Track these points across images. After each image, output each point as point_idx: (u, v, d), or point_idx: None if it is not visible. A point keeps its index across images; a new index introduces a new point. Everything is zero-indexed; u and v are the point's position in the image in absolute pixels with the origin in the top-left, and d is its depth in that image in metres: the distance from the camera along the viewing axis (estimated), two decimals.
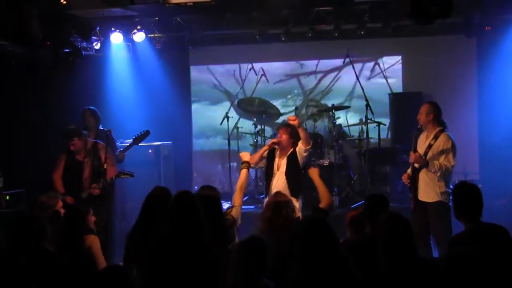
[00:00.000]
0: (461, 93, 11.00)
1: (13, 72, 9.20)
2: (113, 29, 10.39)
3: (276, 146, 7.72)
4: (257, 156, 7.82)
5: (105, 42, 10.65)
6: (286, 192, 7.33)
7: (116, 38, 10.50)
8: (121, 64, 11.35)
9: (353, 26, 10.49)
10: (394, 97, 11.18)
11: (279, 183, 7.57)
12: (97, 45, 10.61)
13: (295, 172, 7.61)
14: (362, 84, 10.32)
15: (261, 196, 9.06)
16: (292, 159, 7.64)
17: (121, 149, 8.90)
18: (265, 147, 7.87)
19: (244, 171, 6.53)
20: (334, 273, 4.08)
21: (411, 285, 4.22)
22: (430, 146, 7.11)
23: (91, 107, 8.95)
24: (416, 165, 7.14)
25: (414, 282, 4.23)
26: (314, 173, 6.57)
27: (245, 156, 6.87)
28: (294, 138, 7.68)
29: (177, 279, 4.47)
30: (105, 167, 7.75)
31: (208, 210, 5.07)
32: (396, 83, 11.58)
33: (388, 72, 11.50)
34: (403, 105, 10.77)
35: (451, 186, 6.96)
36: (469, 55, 11.20)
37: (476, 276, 3.71)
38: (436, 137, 7.12)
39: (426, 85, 11.19)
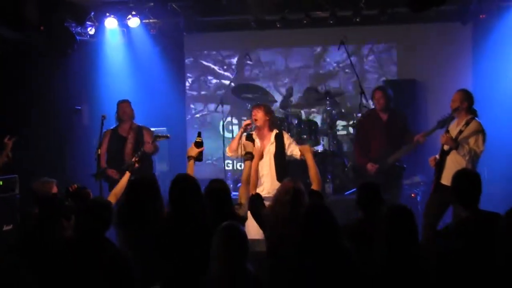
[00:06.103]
0: (455, 81, 10.90)
1: (5, 57, 9.12)
2: (107, 14, 10.37)
3: (249, 127, 7.48)
4: (234, 143, 7.48)
5: (100, 27, 10.62)
6: (273, 175, 7.27)
7: (111, 23, 10.48)
8: (116, 50, 11.32)
9: (349, 13, 10.47)
10: (389, 84, 11.16)
11: (265, 165, 7.26)
12: (91, 30, 10.57)
13: (282, 156, 7.40)
14: (357, 71, 10.30)
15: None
16: (279, 141, 7.43)
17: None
18: (240, 131, 7.57)
19: (247, 163, 6.00)
20: (334, 260, 4.07)
21: (412, 278, 4.24)
22: (460, 132, 7.14)
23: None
24: (445, 147, 7.16)
25: (415, 274, 4.26)
26: (307, 151, 6.26)
27: (249, 146, 6.21)
28: (269, 113, 7.50)
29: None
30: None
31: (218, 205, 5.11)
32: (390, 70, 11.57)
33: (383, 59, 11.50)
34: (397, 92, 10.75)
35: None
36: (464, 42, 11.18)
37: None
38: (467, 124, 7.16)
39: (421, 72, 11.22)
